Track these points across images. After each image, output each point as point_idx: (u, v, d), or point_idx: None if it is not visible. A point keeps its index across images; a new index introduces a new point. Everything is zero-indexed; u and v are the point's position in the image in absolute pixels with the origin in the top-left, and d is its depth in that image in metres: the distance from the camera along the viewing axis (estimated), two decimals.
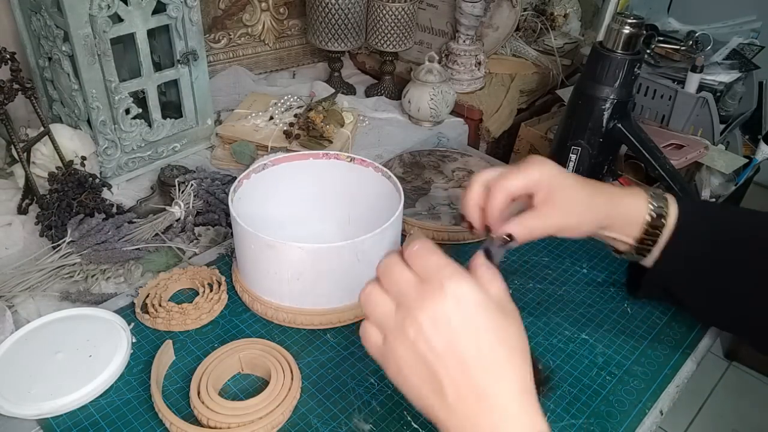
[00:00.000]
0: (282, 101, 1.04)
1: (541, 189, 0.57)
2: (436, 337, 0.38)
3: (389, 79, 1.24)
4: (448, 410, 0.39)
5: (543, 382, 0.61)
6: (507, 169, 0.58)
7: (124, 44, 0.86)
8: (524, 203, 0.59)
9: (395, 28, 1.15)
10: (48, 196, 0.77)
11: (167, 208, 0.81)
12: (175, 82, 0.92)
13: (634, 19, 0.72)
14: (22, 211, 0.83)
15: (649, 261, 0.62)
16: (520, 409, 0.38)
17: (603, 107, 0.75)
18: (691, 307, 0.64)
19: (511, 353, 0.39)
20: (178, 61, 0.90)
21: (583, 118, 0.76)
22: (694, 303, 0.63)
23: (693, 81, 1.12)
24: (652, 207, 0.60)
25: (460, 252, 0.81)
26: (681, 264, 0.61)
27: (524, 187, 0.57)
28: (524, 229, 0.56)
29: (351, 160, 0.76)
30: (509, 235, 0.55)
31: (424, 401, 0.40)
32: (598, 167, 0.79)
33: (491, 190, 0.57)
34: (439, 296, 0.39)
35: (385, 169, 0.74)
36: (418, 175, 0.92)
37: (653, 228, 0.60)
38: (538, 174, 0.57)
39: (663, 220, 0.59)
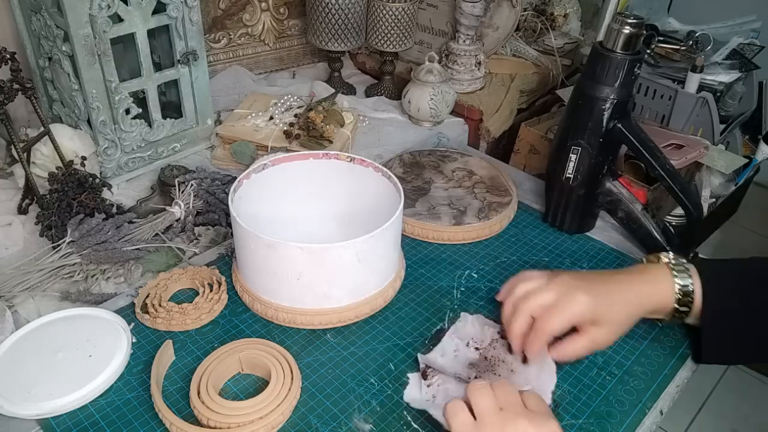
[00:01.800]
0: (282, 101, 1.04)
1: (584, 321, 0.60)
2: None
3: (389, 79, 1.24)
4: None
5: None
6: (547, 297, 0.60)
7: (124, 44, 0.86)
8: None
9: (395, 28, 1.15)
10: (48, 196, 0.77)
11: (167, 208, 0.81)
12: (175, 82, 0.92)
13: (634, 19, 0.72)
14: (22, 211, 0.83)
15: (691, 320, 0.64)
16: None
17: (603, 107, 0.75)
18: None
19: None
20: (178, 61, 0.90)
21: (583, 118, 0.76)
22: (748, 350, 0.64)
23: (693, 81, 1.12)
24: (679, 286, 0.62)
25: (459, 252, 0.81)
26: (720, 319, 0.62)
27: (569, 326, 0.60)
28: (571, 355, 0.60)
29: (351, 160, 0.76)
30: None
31: None
32: (598, 167, 0.79)
33: (536, 330, 0.60)
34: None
35: (385, 169, 0.74)
36: (418, 175, 0.92)
37: (684, 301, 0.62)
38: (579, 310, 0.59)
39: (691, 297, 0.62)
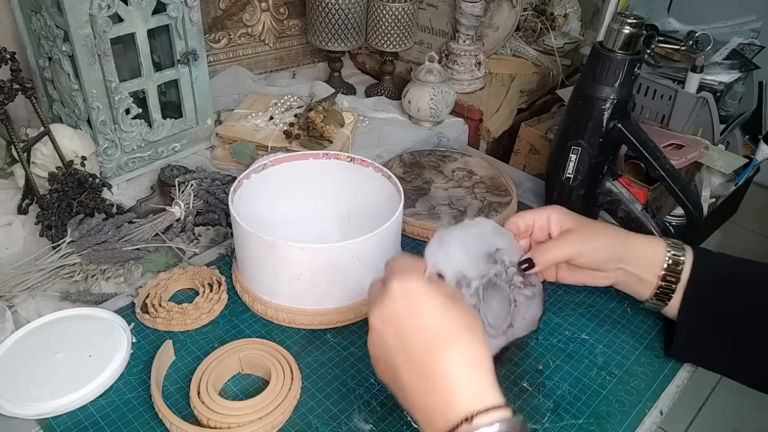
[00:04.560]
0: (282, 101, 1.04)
1: (558, 225, 0.63)
2: (386, 331, 0.45)
3: (389, 79, 1.24)
4: (405, 394, 0.44)
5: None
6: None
7: (124, 44, 0.86)
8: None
9: (395, 28, 1.15)
10: (48, 196, 0.77)
11: (167, 208, 0.81)
12: (175, 82, 0.92)
13: (634, 19, 0.72)
14: (22, 211, 0.83)
15: (671, 311, 0.63)
16: (469, 381, 0.42)
17: (603, 107, 0.75)
18: (715, 361, 0.64)
19: (457, 331, 0.44)
20: (178, 61, 0.90)
21: (583, 118, 0.76)
22: (716, 355, 0.63)
23: (693, 81, 1.12)
24: (669, 253, 0.61)
25: None
26: (699, 310, 0.61)
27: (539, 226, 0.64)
28: (542, 255, 0.61)
29: (351, 160, 0.76)
30: (528, 260, 0.61)
31: (394, 391, 0.46)
32: (598, 167, 0.79)
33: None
34: (387, 296, 0.46)
35: (385, 169, 0.74)
36: (418, 175, 0.92)
37: (672, 272, 0.61)
38: (555, 215, 0.63)
39: (680, 267, 0.61)
